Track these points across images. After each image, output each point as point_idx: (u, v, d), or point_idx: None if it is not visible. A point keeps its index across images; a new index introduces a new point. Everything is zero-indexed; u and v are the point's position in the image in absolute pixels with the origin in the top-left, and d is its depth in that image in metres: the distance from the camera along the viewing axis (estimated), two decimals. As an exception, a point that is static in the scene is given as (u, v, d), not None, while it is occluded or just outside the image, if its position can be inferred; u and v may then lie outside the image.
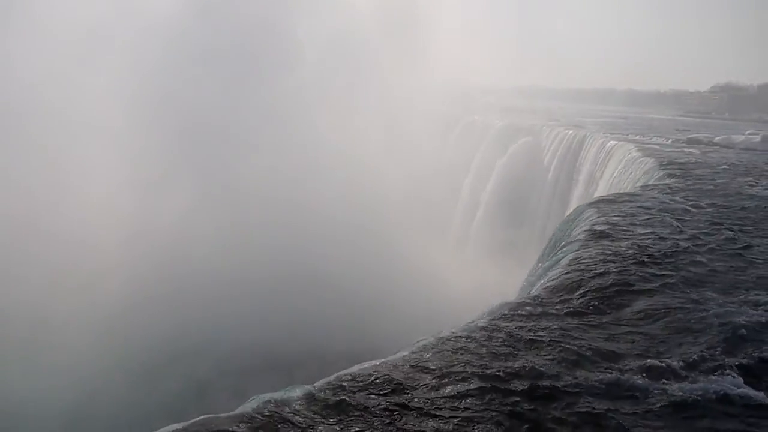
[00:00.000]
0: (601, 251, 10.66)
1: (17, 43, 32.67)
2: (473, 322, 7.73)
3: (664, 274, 9.56)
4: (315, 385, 5.81)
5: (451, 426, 5.34)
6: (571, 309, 8.16)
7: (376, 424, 5.26)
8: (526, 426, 5.44)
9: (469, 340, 7.06)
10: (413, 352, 6.74)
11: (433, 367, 6.34)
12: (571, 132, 37.05)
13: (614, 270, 9.59)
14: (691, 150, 29.81)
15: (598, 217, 13.39)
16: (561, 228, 15.02)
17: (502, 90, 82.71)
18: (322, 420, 5.24)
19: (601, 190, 24.82)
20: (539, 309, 8.08)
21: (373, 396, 5.70)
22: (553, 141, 37.82)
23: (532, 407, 5.71)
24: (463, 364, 6.43)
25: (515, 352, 6.79)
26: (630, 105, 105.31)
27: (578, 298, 8.51)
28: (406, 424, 5.31)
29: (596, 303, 8.38)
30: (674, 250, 10.93)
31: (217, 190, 32.90)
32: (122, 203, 31.59)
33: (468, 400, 5.76)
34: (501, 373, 6.28)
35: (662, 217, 13.54)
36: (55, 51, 33.30)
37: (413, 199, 38.23)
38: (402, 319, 25.11)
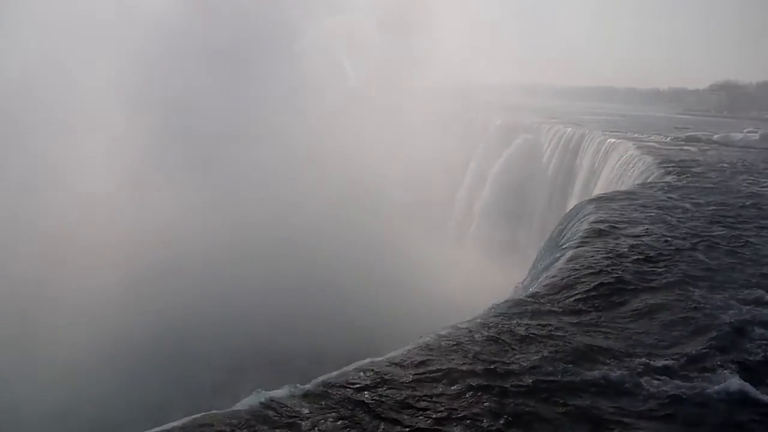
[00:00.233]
0: (599, 249, 10.65)
1: (15, 41, 32.58)
2: (472, 319, 7.71)
3: (662, 272, 9.55)
4: (312, 382, 5.80)
5: (449, 423, 5.32)
6: (570, 307, 8.15)
7: (373, 421, 5.25)
8: (524, 423, 5.43)
9: (467, 337, 7.05)
10: (411, 350, 6.72)
11: (431, 365, 6.32)
12: (570, 130, 37.03)
13: (613, 268, 9.58)
14: (689, 148, 29.80)
15: (596, 215, 13.37)
16: (560, 225, 14.99)
17: (502, 88, 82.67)
18: (319, 418, 5.22)
19: (599, 188, 24.81)
20: (538, 307, 8.06)
21: (370, 394, 5.68)
22: (552, 139, 37.82)
23: (530, 405, 5.69)
24: (461, 362, 6.41)
25: (514, 350, 6.77)
26: (629, 103, 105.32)
27: (577, 296, 8.49)
28: (404, 421, 5.30)
29: (595, 301, 8.37)
30: (673, 247, 10.92)
31: (215, 189, 32.90)
32: (119, 202, 31.59)
33: (466, 398, 5.74)
34: (499, 371, 6.27)
35: (661, 215, 13.53)
36: (54, 49, 33.23)
37: (412, 197, 38.24)
38: (400, 317, 25.10)
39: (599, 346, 6.95)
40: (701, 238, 11.63)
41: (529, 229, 35.14)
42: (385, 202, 36.29)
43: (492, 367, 6.35)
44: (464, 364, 6.38)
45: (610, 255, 10.26)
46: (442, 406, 5.58)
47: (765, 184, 19.01)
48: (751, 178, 20.41)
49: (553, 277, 9.40)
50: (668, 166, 21.47)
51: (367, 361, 6.39)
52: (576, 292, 8.63)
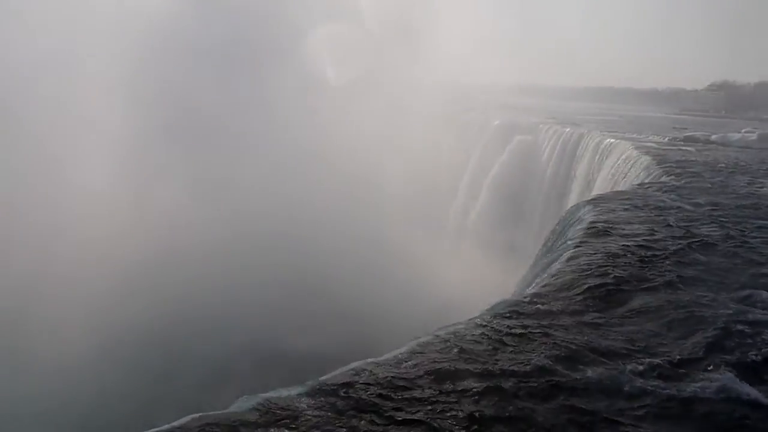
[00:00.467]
0: (597, 249, 10.64)
1: (11, 37, 32.49)
2: (470, 319, 7.70)
3: (660, 273, 9.55)
4: (310, 382, 5.78)
5: (447, 424, 5.31)
6: (569, 307, 8.14)
7: (371, 422, 5.23)
8: (523, 424, 5.42)
9: (466, 337, 7.04)
10: (410, 350, 6.70)
11: (429, 365, 6.30)
12: (568, 130, 37.07)
13: (611, 268, 9.58)
14: (688, 148, 29.85)
15: (595, 215, 13.37)
16: (559, 225, 15.00)
17: (501, 88, 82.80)
18: (317, 419, 5.20)
19: (598, 188, 24.84)
20: (536, 307, 8.05)
21: (368, 394, 5.66)
22: (550, 139, 37.85)
23: (529, 405, 5.69)
24: (459, 362, 6.40)
25: (512, 350, 6.77)
26: (627, 103, 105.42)
27: (576, 296, 8.49)
28: (402, 422, 5.29)
29: (593, 301, 8.36)
30: (671, 248, 10.92)
31: (213, 184, 32.87)
32: (116, 197, 31.55)
33: (464, 398, 5.73)
34: (498, 371, 6.26)
35: (659, 216, 13.54)
36: (50, 46, 33.16)
37: (410, 196, 38.27)
38: (398, 316, 25.11)
39: (598, 346, 6.95)
40: (699, 239, 11.64)
41: (527, 229, 35.15)
42: (384, 201, 36.33)
43: (490, 367, 6.35)
44: (462, 364, 6.37)
45: (608, 255, 10.26)
46: (440, 406, 5.56)
47: (763, 185, 19.04)
48: (749, 178, 20.44)
49: (551, 277, 9.40)
50: (666, 167, 21.49)
51: (365, 361, 6.37)
52: (574, 292, 8.62)
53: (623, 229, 12.10)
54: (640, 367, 6.45)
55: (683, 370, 6.45)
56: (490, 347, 6.83)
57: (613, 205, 14.69)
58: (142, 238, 30.35)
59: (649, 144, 30.08)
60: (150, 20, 37.36)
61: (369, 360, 6.42)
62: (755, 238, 12.11)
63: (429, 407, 5.54)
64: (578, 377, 6.20)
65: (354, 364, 6.27)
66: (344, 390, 5.69)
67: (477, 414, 5.49)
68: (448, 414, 5.45)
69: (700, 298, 8.52)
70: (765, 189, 18.25)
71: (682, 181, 18.72)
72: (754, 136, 34.42)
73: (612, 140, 29.86)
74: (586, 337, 7.17)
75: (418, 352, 6.64)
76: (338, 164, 35.94)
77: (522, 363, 6.43)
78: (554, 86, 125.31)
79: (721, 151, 29.92)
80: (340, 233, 32.54)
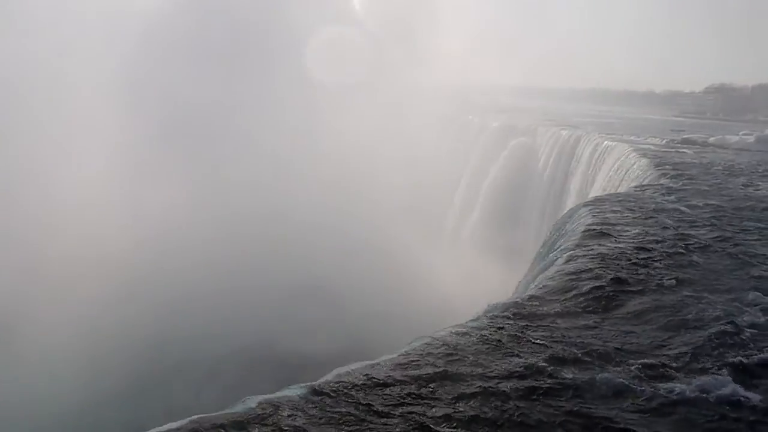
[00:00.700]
0: (596, 251, 10.68)
1: (4, 40, 32.40)
2: (468, 322, 7.73)
3: (658, 275, 9.59)
4: (308, 384, 5.80)
5: (445, 425, 5.33)
6: (567, 309, 8.17)
7: (369, 424, 5.26)
8: (520, 426, 5.44)
9: (464, 340, 7.06)
10: (408, 352, 6.73)
11: (427, 368, 6.33)
12: (566, 132, 37.13)
13: (609, 270, 9.61)
14: (685, 150, 29.93)
15: (593, 217, 13.41)
16: (556, 228, 15.03)
17: (498, 90, 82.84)
18: (315, 420, 5.23)
19: (596, 190, 24.88)
20: (534, 309, 8.08)
21: (366, 395, 5.69)
22: (548, 141, 37.90)
23: (527, 407, 5.71)
24: (457, 365, 6.43)
25: (510, 352, 6.79)
26: (625, 105, 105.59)
27: (574, 298, 8.52)
28: (401, 424, 5.31)
29: (591, 303, 8.39)
30: (669, 250, 10.96)
31: (209, 187, 32.80)
32: (111, 199, 31.45)
33: (463, 400, 5.75)
34: (496, 373, 6.28)
35: (657, 217, 13.58)
36: (44, 48, 33.10)
37: (409, 199, 38.26)
38: (396, 318, 25.11)
39: (595, 348, 6.97)
40: (696, 241, 11.68)
41: (525, 231, 35.18)
42: (382, 203, 36.30)
43: (487, 369, 6.37)
44: (460, 366, 6.40)
45: (606, 257, 10.29)
46: (438, 408, 5.59)
47: (760, 187, 19.10)
48: (747, 180, 20.51)
49: (549, 279, 9.43)
50: (664, 169, 21.55)
51: (362, 363, 6.40)
52: (572, 294, 8.65)
53: (621, 232, 12.14)
54: (638, 370, 6.48)
55: (680, 373, 6.48)
56: (488, 349, 6.85)
57: (610, 207, 14.73)
58: (138, 241, 30.29)
59: (646, 146, 30.15)
60: (145, 21, 37.34)
61: (366, 362, 6.44)
62: (752, 240, 12.16)
63: (426, 409, 5.56)
64: (575, 380, 6.22)
65: (351, 366, 6.29)
66: (342, 391, 5.71)
67: (474, 416, 5.51)
68: (446, 416, 5.48)
69: (697, 300, 8.55)
70: (762, 191, 18.31)
71: (680, 184, 18.77)
72: (751, 139, 34.54)
73: (610, 143, 29.92)
74: (583, 340, 7.20)
75: (415, 354, 6.66)
76: (337, 166, 35.94)
77: (519, 365, 6.45)
78: (552, 88, 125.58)
79: (718, 153, 30.00)
80: (337, 235, 32.52)
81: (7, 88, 30.98)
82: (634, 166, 23.44)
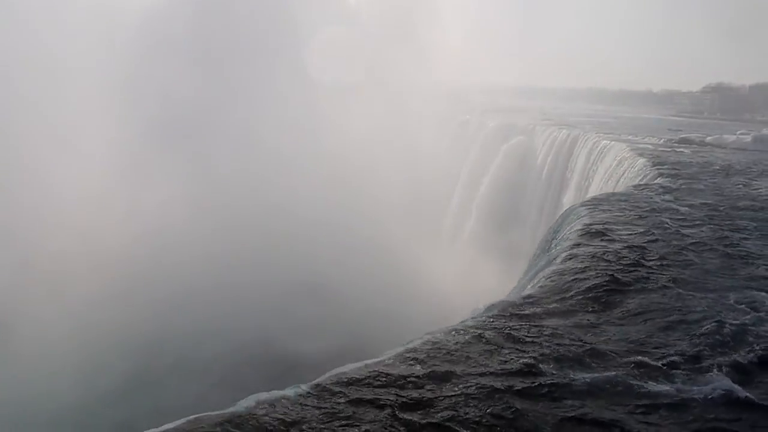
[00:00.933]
0: (593, 250, 10.70)
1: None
2: (466, 321, 7.74)
3: (656, 274, 9.61)
4: (307, 384, 5.81)
5: (443, 424, 5.35)
6: (564, 308, 8.19)
7: (368, 422, 5.27)
8: (517, 425, 5.46)
9: (461, 339, 7.08)
10: (406, 351, 6.74)
11: (425, 367, 6.34)
12: (564, 131, 37.15)
13: (607, 269, 9.63)
14: (683, 150, 29.97)
15: (590, 217, 13.44)
16: (554, 227, 15.06)
17: (496, 89, 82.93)
18: (314, 419, 5.24)
19: (593, 190, 24.91)
20: (532, 308, 8.10)
21: (365, 395, 5.70)
22: (546, 140, 37.92)
23: (524, 406, 5.72)
24: (455, 364, 6.44)
25: (508, 352, 6.81)
26: (622, 105, 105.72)
27: (571, 298, 8.54)
28: (399, 422, 5.32)
29: (589, 302, 8.41)
30: (666, 249, 10.99)
31: (208, 186, 32.75)
32: (108, 198, 31.39)
33: (460, 399, 5.77)
34: (493, 372, 6.30)
35: (654, 217, 13.61)
36: (38, 46, 32.99)
37: (407, 198, 38.26)
38: (394, 318, 25.12)
39: (593, 347, 6.99)
40: (694, 240, 11.71)
41: (523, 230, 35.22)
42: (380, 203, 36.30)
43: (486, 368, 6.39)
44: (458, 365, 6.41)
45: (603, 257, 10.31)
46: (436, 407, 5.60)
47: (758, 186, 19.14)
48: (744, 179, 20.55)
49: (547, 278, 9.45)
50: (662, 168, 21.59)
51: (362, 362, 6.41)
52: (570, 294, 8.67)
53: (618, 231, 12.16)
54: (636, 369, 6.50)
55: (678, 372, 6.50)
56: (485, 349, 6.87)
57: (608, 206, 14.75)
58: (136, 237, 30.27)
59: (644, 146, 30.18)
60: (144, 18, 37.28)
61: (365, 361, 6.45)
62: (749, 239, 12.19)
63: (424, 407, 5.58)
64: (572, 378, 6.24)
65: (350, 365, 6.31)
66: (340, 390, 5.72)
67: (472, 415, 5.53)
68: (443, 414, 5.49)
69: (695, 299, 8.58)
70: (759, 191, 18.35)
71: (678, 183, 18.80)
72: (748, 138, 34.57)
73: (607, 142, 29.95)
74: (580, 339, 7.22)
75: (413, 353, 6.67)
76: (336, 163, 35.92)
77: (517, 364, 6.47)
78: (549, 88, 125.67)
79: (715, 153, 30.04)
80: (336, 231, 32.50)
81: (6, 87, 30.91)
82: (632, 166, 23.48)
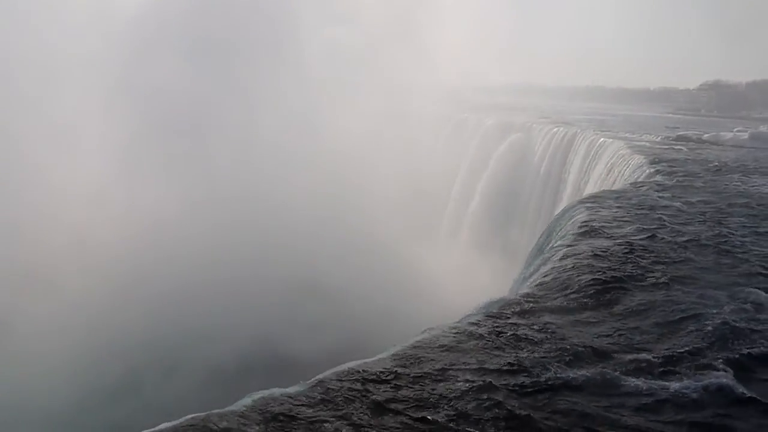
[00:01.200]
0: (591, 248, 10.73)
1: None
2: (464, 319, 7.76)
3: (653, 271, 9.64)
4: (306, 382, 5.83)
5: (442, 420, 5.37)
6: (562, 306, 8.21)
7: (368, 420, 5.29)
8: (516, 421, 5.48)
9: (459, 336, 7.10)
10: (405, 349, 6.76)
11: (423, 365, 6.36)
12: (561, 129, 37.17)
13: (604, 267, 9.66)
14: (680, 147, 30.00)
15: (588, 214, 13.46)
16: (551, 225, 15.09)
17: (494, 87, 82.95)
18: (314, 417, 5.25)
19: (591, 187, 24.93)
20: (530, 306, 8.12)
21: (363, 392, 5.72)
22: (543, 138, 37.94)
23: (522, 403, 5.75)
24: (453, 361, 6.47)
25: (506, 349, 6.83)
26: (620, 102, 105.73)
27: (569, 295, 8.56)
28: (399, 419, 5.34)
29: (586, 300, 8.44)
30: (663, 246, 11.02)
31: (206, 186, 32.69)
32: (105, 198, 31.33)
33: (458, 396, 5.79)
34: (491, 369, 6.32)
35: (652, 214, 13.64)
36: (31, 44, 32.91)
37: (404, 196, 38.25)
38: (392, 316, 25.13)
39: (590, 344, 7.02)
40: (691, 237, 11.74)
41: (520, 228, 35.25)
42: (378, 202, 36.30)
43: (482, 365, 6.41)
44: (456, 363, 6.43)
45: (600, 254, 10.34)
46: (434, 404, 5.62)
47: (754, 183, 19.18)
48: (741, 177, 20.58)
49: (544, 276, 9.47)
50: (659, 166, 21.62)
51: (361, 360, 6.43)
52: (567, 291, 8.70)
53: (616, 229, 12.19)
54: (633, 365, 6.53)
55: (676, 368, 6.53)
56: (484, 346, 6.89)
57: (605, 204, 14.78)
58: (134, 236, 30.20)
59: (641, 143, 30.21)
60: (140, 17, 37.21)
61: (365, 359, 6.47)
62: (746, 236, 12.22)
63: (422, 404, 5.60)
64: (570, 375, 6.26)
65: (349, 364, 6.33)
66: (339, 388, 5.74)
67: (470, 411, 5.55)
68: (442, 411, 5.51)
69: (692, 296, 8.61)
70: (756, 188, 18.39)
71: (675, 180, 18.84)
72: (745, 135, 34.61)
73: (605, 140, 29.97)
74: (577, 336, 7.25)
75: (411, 351, 6.70)
76: (335, 163, 35.91)
77: (515, 362, 6.49)
78: (547, 87, 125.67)
79: (713, 150, 30.08)
80: (336, 229, 32.50)
81: (6, 86, 30.87)
82: (629, 163, 23.50)
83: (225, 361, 25.30)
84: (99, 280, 28.47)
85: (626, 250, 10.61)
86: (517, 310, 7.98)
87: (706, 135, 35.26)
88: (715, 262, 10.32)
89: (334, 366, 6.27)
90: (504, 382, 6.07)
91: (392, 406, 5.53)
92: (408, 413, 5.44)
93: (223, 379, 23.70)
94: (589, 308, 8.19)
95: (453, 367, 6.33)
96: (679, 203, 15.11)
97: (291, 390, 5.64)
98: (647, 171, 21.11)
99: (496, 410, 5.60)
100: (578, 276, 9.23)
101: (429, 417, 5.41)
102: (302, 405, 5.41)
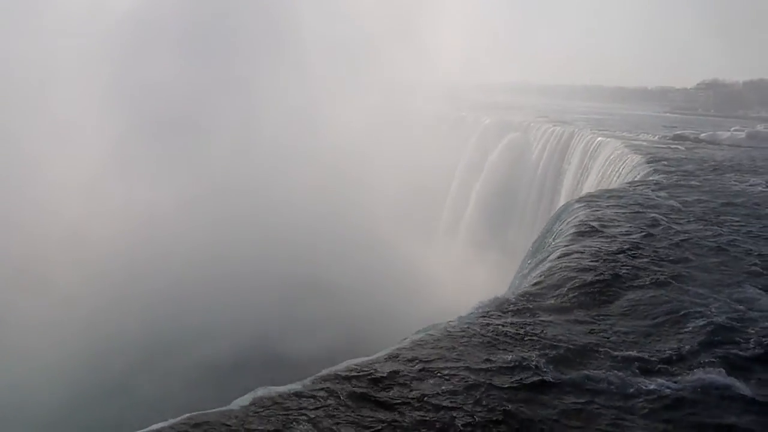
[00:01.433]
0: (588, 247, 10.74)
1: None
2: (462, 318, 7.76)
3: (650, 270, 9.65)
4: (304, 380, 5.83)
5: (439, 420, 5.37)
6: (560, 305, 8.22)
7: (366, 419, 5.29)
8: (513, 421, 5.49)
9: (457, 336, 7.10)
10: (401, 348, 6.76)
11: (420, 363, 6.37)
12: (559, 128, 37.23)
13: (602, 266, 9.67)
14: (677, 146, 30.05)
15: (585, 214, 13.47)
16: (549, 224, 15.10)
17: (492, 87, 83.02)
18: (313, 415, 5.25)
19: (588, 187, 24.97)
20: (528, 305, 8.12)
21: (361, 391, 5.72)
22: (541, 137, 37.99)
23: (519, 403, 5.76)
24: (450, 361, 6.47)
25: (503, 348, 6.84)
26: (618, 102, 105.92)
27: (566, 294, 8.57)
28: (397, 418, 5.34)
29: (584, 299, 8.45)
30: (661, 246, 11.04)
31: (204, 186, 32.67)
32: (99, 195, 31.29)
33: (456, 395, 5.79)
34: (489, 369, 6.32)
35: (649, 213, 13.65)
36: (28, 44, 32.82)
37: (403, 195, 38.29)
38: (390, 315, 25.14)
39: (588, 344, 7.03)
40: (689, 236, 11.76)
41: (518, 227, 35.31)
42: (378, 198, 36.31)
43: (480, 364, 6.41)
44: (453, 361, 6.44)
45: (598, 254, 10.35)
46: (431, 403, 5.62)
47: (751, 183, 19.22)
48: (738, 176, 20.63)
49: (541, 275, 9.48)
50: (656, 165, 21.66)
51: (359, 359, 6.43)
52: (564, 290, 8.70)
53: (613, 228, 12.20)
54: (630, 365, 6.53)
55: (673, 368, 6.54)
56: (480, 345, 6.90)
57: (603, 203, 14.79)
58: (132, 233, 30.17)
59: (639, 142, 30.25)
60: (138, 14, 37.12)
61: (362, 358, 6.47)
62: (744, 236, 12.25)
63: (420, 403, 5.60)
64: (568, 374, 6.27)
65: (347, 362, 6.32)
66: (338, 387, 5.74)
67: (468, 411, 5.56)
68: (440, 410, 5.52)
69: (689, 295, 8.62)
70: (754, 187, 18.43)
71: (672, 180, 18.87)
72: (742, 135, 34.68)
73: (602, 139, 30.01)
74: (575, 335, 7.26)
75: (409, 350, 6.70)
76: (334, 160, 35.90)
77: (512, 361, 6.50)
78: (545, 86, 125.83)
79: (710, 149, 30.14)
80: (335, 226, 32.52)
81: (3, 83, 30.78)
82: (627, 162, 23.54)
83: (223, 359, 25.28)
84: (95, 275, 28.43)
85: (623, 250, 10.62)
86: (514, 308, 7.98)
87: (703, 134, 35.33)
88: (713, 261, 10.34)
89: (333, 364, 6.27)
90: (502, 381, 6.08)
91: (391, 404, 5.54)
92: (407, 412, 5.45)
93: (221, 376, 23.68)
94: (587, 307, 8.21)
95: (451, 365, 6.33)
96: (676, 202, 15.13)
97: (289, 388, 5.64)
98: (644, 170, 21.15)
99: (496, 409, 5.61)
100: (576, 275, 9.24)
101: (428, 416, 5.41)
102: (300, 404, 5.41)
